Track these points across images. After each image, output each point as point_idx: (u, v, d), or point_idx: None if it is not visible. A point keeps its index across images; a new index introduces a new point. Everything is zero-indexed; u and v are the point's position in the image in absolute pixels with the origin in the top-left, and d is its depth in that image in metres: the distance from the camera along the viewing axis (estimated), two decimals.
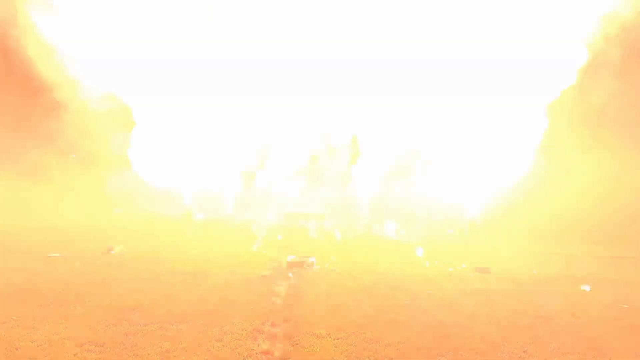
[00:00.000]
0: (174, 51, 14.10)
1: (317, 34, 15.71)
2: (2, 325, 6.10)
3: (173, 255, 10.68)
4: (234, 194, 21.48)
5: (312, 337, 5.91)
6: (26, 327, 6.01)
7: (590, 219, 17.81)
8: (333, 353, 5.48)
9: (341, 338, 5.88)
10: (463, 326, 6.33)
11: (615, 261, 10.60)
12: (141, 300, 7.23)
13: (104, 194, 23.05)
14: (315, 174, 22.09)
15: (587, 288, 8.11)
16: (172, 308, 6.89)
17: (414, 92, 15.47)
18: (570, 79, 12.55)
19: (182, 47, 13.90)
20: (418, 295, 7.71)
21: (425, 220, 17.35)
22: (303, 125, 18.29)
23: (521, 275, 9.12)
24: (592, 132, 22.54)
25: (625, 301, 7.46)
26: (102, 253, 10.63)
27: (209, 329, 6.11)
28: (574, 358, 5.44)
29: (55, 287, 7.85)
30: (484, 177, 14.09)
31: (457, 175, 17.01)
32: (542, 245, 12.35)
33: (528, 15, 11.86)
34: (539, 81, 12.69)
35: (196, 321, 6.37)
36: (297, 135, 18.88)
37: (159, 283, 8.22)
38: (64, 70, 16.02)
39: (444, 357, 5.39)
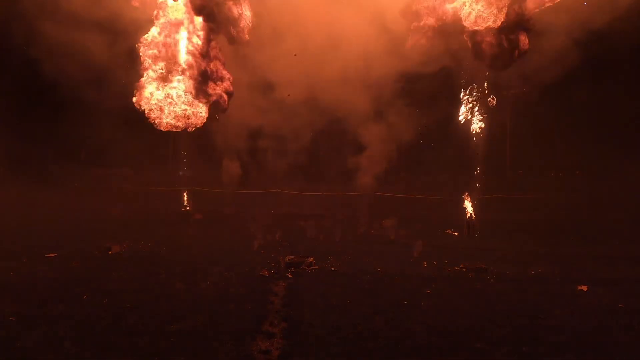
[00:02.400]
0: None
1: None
2: (0, 325, 6.10)
3: (172, 254, 10.68)
4: (233, 193, 21.47)
5: (311, 337, 5.92)
6: (24, 327, 6.01)
7: (589, 219, 17.86)
8: (332, 353, 5.49)
9: (340, 338, 5.90)
10: (462, 326, 6.35)
11: (612, 261, 10.62)
12: (140, 300, 7.24)
13: (103, 194, 23.04)
14: (315, 173, 22.08)
15: (584, 288, 8.14)
16: (171, 308, 6.90)
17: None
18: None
19: None
20: (416, 295, 7.73)
21: (424, 220, 17.35)
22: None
23: (519, 275, 9.15)
24: (590, 132, 22.64)
25: (622, 301, 7.49)
26: (100, 253, 10.63)
27: (208, 328, 6.13)
28: (571, 357, 5.47)
29: (54, 287, 7.86)
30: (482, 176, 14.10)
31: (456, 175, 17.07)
32: (540, 245, 12.38)
33: None
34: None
35: (195, 321, 6.38)
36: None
37: (158, 283, 8.24)
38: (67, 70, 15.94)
39: (443, 357, 5.41)
